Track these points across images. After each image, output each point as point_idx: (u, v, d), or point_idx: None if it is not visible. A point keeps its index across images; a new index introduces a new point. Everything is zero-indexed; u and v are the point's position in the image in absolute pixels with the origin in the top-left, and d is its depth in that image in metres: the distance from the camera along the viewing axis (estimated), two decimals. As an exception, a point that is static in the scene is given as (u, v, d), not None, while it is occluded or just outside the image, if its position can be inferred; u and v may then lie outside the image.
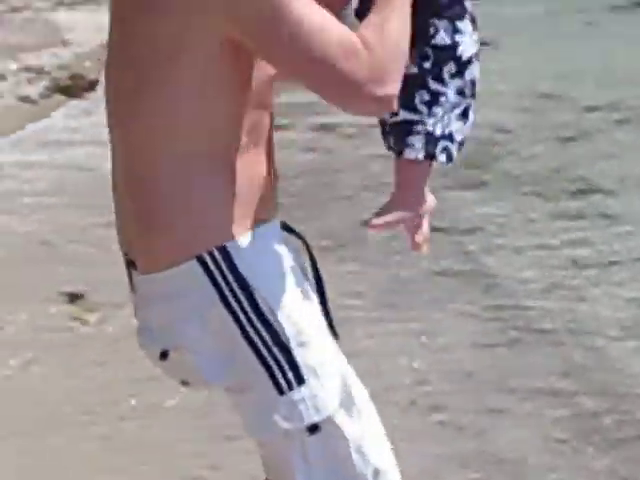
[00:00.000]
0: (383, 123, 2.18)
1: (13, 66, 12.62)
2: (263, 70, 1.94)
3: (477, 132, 3.79)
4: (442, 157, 2.13)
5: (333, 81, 1.86)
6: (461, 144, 2.17)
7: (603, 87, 11.38)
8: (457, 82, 2.11)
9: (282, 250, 2.06)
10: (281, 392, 2.00)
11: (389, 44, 1.86)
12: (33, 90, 11.54)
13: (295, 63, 1.89)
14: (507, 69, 11.75)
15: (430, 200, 2.23)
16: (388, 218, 2.16)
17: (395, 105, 1.95)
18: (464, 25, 2.09)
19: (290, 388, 2.00)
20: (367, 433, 2.09)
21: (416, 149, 2.10)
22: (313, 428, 2.02)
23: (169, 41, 1.86)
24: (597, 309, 6.21)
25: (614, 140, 9.63)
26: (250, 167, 2.00)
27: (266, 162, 2.08)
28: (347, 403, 2.04)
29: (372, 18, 1.88)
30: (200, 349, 2.01)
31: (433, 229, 2.52)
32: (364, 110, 2.05)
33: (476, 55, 2.15)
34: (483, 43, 3.00)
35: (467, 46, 2.11)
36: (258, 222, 2.01)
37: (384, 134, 2.19)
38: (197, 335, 2.00)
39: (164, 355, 2.08)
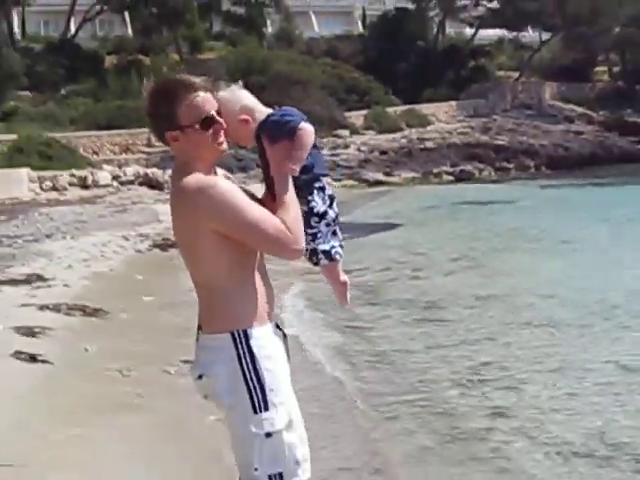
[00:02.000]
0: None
1: (133, 233, 19.27)
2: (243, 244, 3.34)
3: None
4: (337, 257, 3.60)
5: (275, 246, 3.36)
6: (341, 247, 3.61)
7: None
8: (323, 223, 3.53)
9: (275, 339, 3.49)
10: (255, 412, 3.35)
11: (296, 223, 3.34)
12: (142, 246, 17.66)
13: (252, 241, 3.36)
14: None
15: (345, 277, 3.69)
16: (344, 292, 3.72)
17: (302, 254, 3.45)
18: (315, 195, 3.50)
19: (261, 411, 3.34)
20: (295, 441, 3.41)
21: (323, 259, 3.59)
22: (268, 435, 3.35)
23: (191, 235, 3.37)
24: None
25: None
26: (255, 288, 3.45)
27: (266, 284, 3.52)
28: (288, 425, 3.38)
29: (282, 212, 3.33)
30: (219, 380, 3.39)
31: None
32: (291, 257, 3.46)
33: (325, 212, 3.53)
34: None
35: (319, 205, 3.52)
36: (264, 321, 3.45)
37: (310, 258, 3.60)
38: (220, 372, 3.38)
39: (200, 377, 3.44)
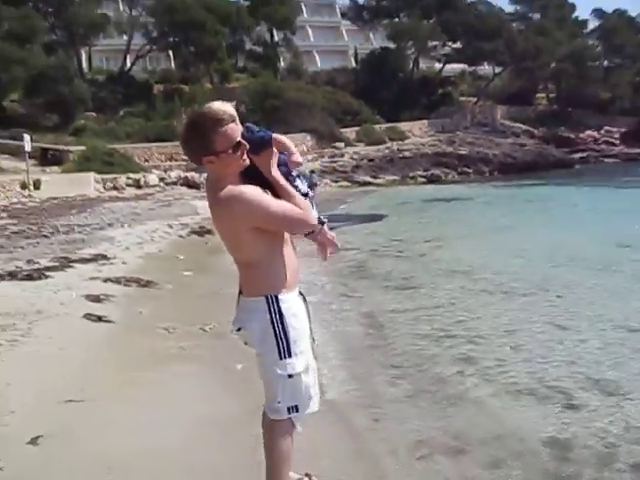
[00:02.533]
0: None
1: (175, 222, 19.33)
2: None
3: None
4: (325, 220, 3.67)
5: (300, 225, 3.44)
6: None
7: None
8: (308, 199, 3.50)
9: (299, 302, 3.55)
10: (281, 358, 3.42)
11: (304, 204, 3.41)
12: (183, 232, 17.73)
13: (283, 226, 3.44)
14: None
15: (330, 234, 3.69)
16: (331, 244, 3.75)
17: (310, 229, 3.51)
18: (298, 180, 3.53)
19: (285, 357, 3.42)
20: (310, 382, 3.51)
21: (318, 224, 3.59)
22: (290, 376, 3.43)
23: (232, 233, 3.41)
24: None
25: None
26: (284, 262, 3.48)
27: (292, 258, 3.53)
28: (306, 369, 3.47)
29: (292, 199, 3.37)
30: (254, 332, 3.47)
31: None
32: (311, 229, 3.52)
33: (307, 192, 3.53)
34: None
35: (303, 187, 3.53)
36: (291, 287, 3.51)
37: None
38: (255, 327, 3.46)
39: (239, 329, 3.53)
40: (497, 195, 31.91)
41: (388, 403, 5.91)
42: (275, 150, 3.44)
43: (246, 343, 3.58)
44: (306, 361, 3.48)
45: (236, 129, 3.32)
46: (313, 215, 3.48)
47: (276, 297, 3.42)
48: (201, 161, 3.35)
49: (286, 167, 3.52)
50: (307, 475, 4.02)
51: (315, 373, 3.59)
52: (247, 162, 3.39)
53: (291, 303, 3.48)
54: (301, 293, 3.64)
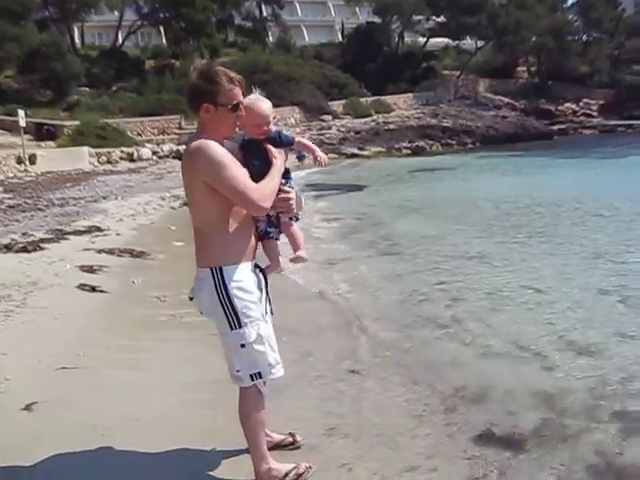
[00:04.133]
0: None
1: (168, 194, 19.17)
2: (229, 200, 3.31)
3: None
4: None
5: (243, 200, 3.26)
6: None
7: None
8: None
9: (248, 275, 3.44)
10: (231, 329, 3.41)
11: (268, 189, 3.34)
12: (175, 204, 17.46)
13: (227, 192, 3.27)
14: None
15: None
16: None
17: (266, 212, 3.39)
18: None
19: (235, 328, 3.40)
20: (265, 350, 3.46)
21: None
22: (242, 345, 3.41)
23: (190, 186, 3.39)
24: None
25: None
26: (233, 235, 3.36)
27: (245, 233, 3.43)
28: (257, 339, 3.41)
29: (263, 181, 3.33)
30: (203, 301, 3.48)
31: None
32: (254, 210, 3.34)
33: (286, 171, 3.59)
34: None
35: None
36: (239, 261, 3.41)
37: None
38: (204, 296, 3.46)
39: (191, 299, 3.58)
40: (479, 165, 31.86)
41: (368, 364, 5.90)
42: (306, 143, 3.76)
43: (201, 312, 3.59)
44: (256, 331, 3.45)
45: (240, 94, 3.46)
46: (266, 206, 3.38)
47: (220, 269, 3.41)
48: (199, 109, 3.42)
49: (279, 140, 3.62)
50: (290, 435, 4.08)
51: (273, 342, 3.56)
52: (236, 129, 3.48)
53: (238, 276, 3.43)
54: (258, 267, 3.62)
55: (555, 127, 55.34)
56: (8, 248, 10.43)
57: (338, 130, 46.63)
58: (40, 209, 15.95)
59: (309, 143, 3.79)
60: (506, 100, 59.65)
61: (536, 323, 7.07)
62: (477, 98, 59.12)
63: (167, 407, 4.70)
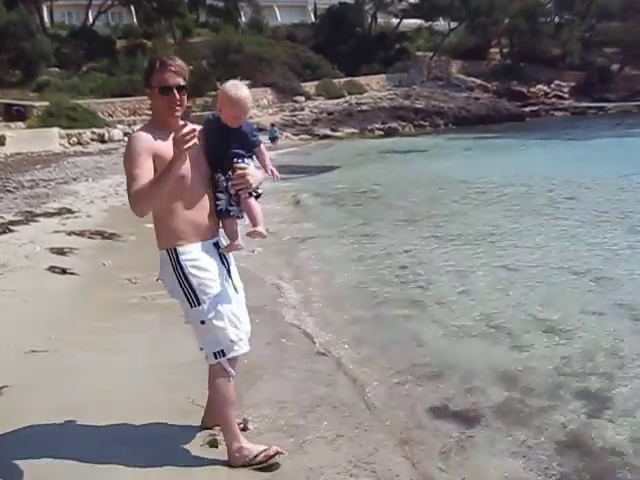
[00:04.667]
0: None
1: None
2: (177, 184, 3.34)
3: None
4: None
5: (129, 198, 3.28)
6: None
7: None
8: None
9: (204, 254, 3.50)
10: (191, 306, 3.49)
11: (141, 195, 3.25)
12: None
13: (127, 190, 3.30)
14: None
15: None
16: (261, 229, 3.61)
17: (139, 216, 3.31)
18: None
19: (194, 306, 3.48)
20: (225, 326, 3.50)
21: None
22: (202, 322, 3.51)
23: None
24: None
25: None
26: (185, 217, 3.46)
27: (197, 214, 3.50)
28: (216, 315, 3.47)
29: (147, 183, 3.24)
30: (167, 281, 3.56)
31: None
32: (133, 211, 3.29)
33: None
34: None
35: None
36: (192, 241, 3.49)
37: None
38: (166, 277, 3.55)
39: (157, 280, 3.68)
40: (451, 146, 32.00)
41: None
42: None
43: (170, 294, 3.65)
44: (215, 308, 3.50)
45: (174, 77, 3.48)
46: (136, 211, 3.32)
47: (175, 250, 3.49)
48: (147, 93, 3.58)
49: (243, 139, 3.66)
50: (244, 420, 4.09)
51: (235, 319, 3.59)
52: (176, 115, 3.48)
53: (192, 255, 3.50)
54: (217, 245, 3.65)
55: (527, 109, 55.71)
56: (-23, 230, 10.32)
57: (311, 111, 46.52)
58: (9, 191, 15.80)
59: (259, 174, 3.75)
60: (478, 82, 59.84)
61: (505, 303, 7.15)
62: (450, 79, 59.23)
63: (140, 388, 4.67)
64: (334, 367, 5.32)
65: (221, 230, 3.71)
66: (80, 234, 10.46)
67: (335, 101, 48.88)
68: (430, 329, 6.38)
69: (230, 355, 3.58)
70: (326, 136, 41.84)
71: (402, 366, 5.39)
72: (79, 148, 31.26)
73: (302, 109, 46.72)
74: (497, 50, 68.21)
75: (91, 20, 56.60)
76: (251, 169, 3.63)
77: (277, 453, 3.66)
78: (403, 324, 6.58)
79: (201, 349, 3.62)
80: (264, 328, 5.71)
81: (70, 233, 10.49)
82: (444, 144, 33.76)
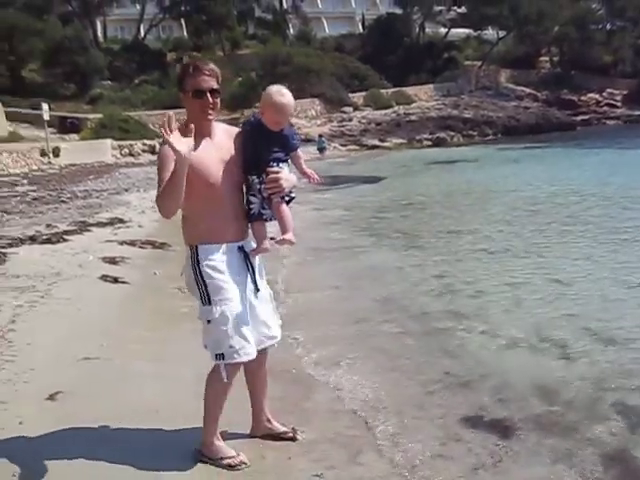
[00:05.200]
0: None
1: None
2: (205, 186, 3.46)
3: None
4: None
5: (157, 199, 3.33)
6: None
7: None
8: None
9: (223, 257, 3.55)
10: (203, 304, 3.56)
11: (161, 197, 3.31)
12: None
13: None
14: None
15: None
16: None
17: (165, 217, 3.35)
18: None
19: (204, 304, 3.55)
20: (229, 333, 3.50)
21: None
22: (209, 321, 3.55)
23: None
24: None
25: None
26: (208, 217, 3.51)
27: (220, 215, 3.52)
28: (221, 319, 3.49)
29: (165, 182, 3.28)
30: (186, 276, 3.66)
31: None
32: (160, 214, 3.38)
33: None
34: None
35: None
36: (214, 241, 3.54)
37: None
38: (186, 272, 3.64)
39: (182, 274, 3.72)
40: (500, 156, 31.64)
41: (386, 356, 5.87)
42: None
43: (187, 289, 3.75)
44: (222, 311, 3.52)
45: (207, 81, 3.51)
46: (162, 213, 3.37)
47: (196, 247, 3.56)
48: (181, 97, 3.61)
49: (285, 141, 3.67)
50: (292, 430, 4.06)
51: (243, 329, 3.57)
52: (209, 118, 3.54)
53: (211, 255, 3.55)
54: (242, 249, 3.65)
55: (578, 118, 54.89)
56: (33, 240, 10.56)
57: (359, 122, 46.56)
58: (64, 201, 16.11)
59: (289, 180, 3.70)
60: (528, 90, 59.20)
61: (553, 315, 6.99)
62: (499, 89, 58.71)
63: (189, 398, 4.68)
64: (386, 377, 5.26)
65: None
66: (131, 244, 10.61)
67: (383, 111, 48.85)
68: (475, 340, 6.27)
69: (228, 361, 3.57)
70: (374, 146, 41.83)
71: (443, 376, 5.29)
72: (131, 159, 31.78)
73: (350, 120, 46.78)
74: (547, 58, 67.43)
75: (142, 34, 57.69)
76: (284, 173, 3.62)
77: (241, 463, 3.71)
78: (450, 335, 6.47)
79: (205, 346, 3.66)
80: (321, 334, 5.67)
81: (122, 243, 10.65)
82: (493, 154, 33.43)
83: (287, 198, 3.69)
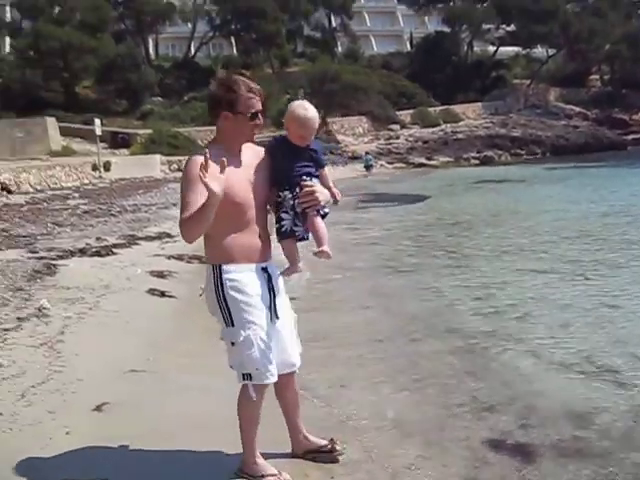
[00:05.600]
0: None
1: None
2: (230, 206, 3.34)
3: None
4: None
5: (180, 222, 3.27)
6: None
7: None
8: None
9: (248, 277, 3.46)
10: (226, 326, 3.48)
11: (185, 224, 3.25)
12: None
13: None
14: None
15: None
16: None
17: (188, 242, 3.40)
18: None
19: (228, 326, 3.47)
20: (254, 355, 3.44)
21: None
22: (233, 344, 3.47)
23: None
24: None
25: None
26: (233, 236, 3.43)
27: (245, 235, 3.47)
28: (245, 342, 3.42)
29: (194, 211, 3.21)
30: (207, 297, 3.56)
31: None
32: (182, 238, 3.37)
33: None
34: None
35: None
36: (238, 262, 3.46)
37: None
38: (207, 292, 3.54)
39: (201, 295, 3.68)
40: (548, 176, 31.27)
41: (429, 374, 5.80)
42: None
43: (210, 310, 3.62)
44: (246, 334, 3.44)
45: (259, 104, 3.49)
46: (184, 239, 3.36)
47: (219, 267, 3.46)
48: (219, 117, 3.48)
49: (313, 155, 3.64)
50: (331, 441, 4.01)
51: (270, 349, 3.51)
52: (252, 138, 3.54)
53: (236, 276, 3.46)
54: (266, 270, 3.58)
55: (629, 137, 53.97)
56: (83, 252, 10.74)
57: (406, 139, 46.54)
58: (113, 215, 16.36)
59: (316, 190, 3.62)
60: (577, 109, 58.48)
61: (601, 339, 6.81)
62: (548, 107, 58.13)
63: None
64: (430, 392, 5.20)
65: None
66: (179, 258, 10.71)
67: (430, 129, 48.75)
68: (528, 366, 6.13)
69: (255, 382, 3.53)
70: (421, 164, 41.72)
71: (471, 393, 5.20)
72: (179, 174, 32.12)
73: (397, 137, 46.79)
74: (597, 77, 66.58)
75: (193, 52, 58.57)
76: (319, 187, 3.58)
77: None
78: (495, 356, 6.36)
79: (230, 367, 3.60)
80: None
81: (169, 257, 10.76)
82: (541, 173, 33.04)
83: (322, 212, 3.63)
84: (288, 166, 3.56)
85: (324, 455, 3.94)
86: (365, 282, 9.92)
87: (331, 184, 3.73)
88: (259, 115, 3.47)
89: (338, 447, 3.99)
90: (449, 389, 5.37)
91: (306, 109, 3.57)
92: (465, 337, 6.97)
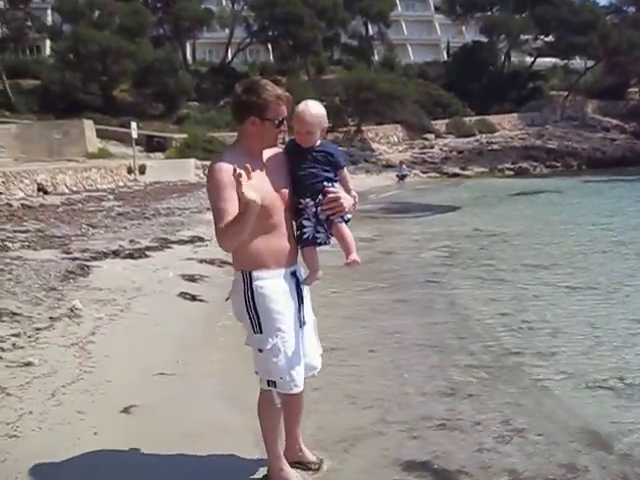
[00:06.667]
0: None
1: None
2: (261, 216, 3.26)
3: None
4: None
5: (215, 233, 3.24)
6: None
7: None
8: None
9: (278, 284, 3.45)
10: (254, 332, 3.45)
11: (225, 233, 3.22)
12: None
13: (213, 217, 3.29)
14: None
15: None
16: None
17: (227, 251, 3.44)
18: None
19: (256, 332, 3.44)
20: (280, 364, 3.42)
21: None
22: (260, 350, 3.45)
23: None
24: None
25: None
26: (263, 242, 3.41)
27: (275, 240, 3.45)
28: (272, 350, 3.40)
29: (231, 220, 3.18)
30: (235, 303, 3.53)
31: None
32: (218, 242, 3.31)
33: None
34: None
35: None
36: (269, 267, 3.43)
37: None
38: (235, 298, 3.51)
39: (227, 299, 3.66)
40: (585, 189, 30.89)
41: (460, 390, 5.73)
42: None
43: (234, 315, 3.60)
44: (273, 342, 3.43)
45: (285, 111, 3.48)
46: (223, 246, 3.32)
47: (250, 273, 3.43)
48: (244, 121, 3.45)
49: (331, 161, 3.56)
50: (319, 460, 3.98)
51: (297, 357, 3.50)
52: (277, 143, 3.52)
53: (266, 283, 3.43)
54: (294, 275, 3.56)
55: (667, 151, 53.10)
56: (116, 254, 10.83)
57: (440, 149, 46.38)
58: (147, 218, 16.46)
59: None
60: (615, 122, 57.78)
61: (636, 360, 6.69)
62: (585, 119, 57.48)
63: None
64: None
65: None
66: (210, 262, 10.75)
67: (465, 139, 48.51)
68: (560, 382, 6.01)
69: (280, 390, 3.52)
70: (455, 174, 41.53)
71: (516, 418, 5.11)
72: (213, 179, 32.22)
73: (432, 147, 46.65)
74: (636, 89, 65.63)
75: (230, 57, 58.97)
76: (343, 193, 3.54)
77: None
78: (527, 372, 6.25)
79: (256, 372, 3.58)
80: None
81: (201, 261, 10.81)
82: (577, 185, 32.66)
83: (346, 218, 3.57)
84: (304, 172, 3.50)
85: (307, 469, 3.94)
86: (393, 293, 9.78)
87: (351, 186, 3.69)
88: (284, 122, 3.48)
89: (325, 466, 3.98)
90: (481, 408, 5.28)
91: (307, 105, 3.54)
92: (492, 352, 6.88)
